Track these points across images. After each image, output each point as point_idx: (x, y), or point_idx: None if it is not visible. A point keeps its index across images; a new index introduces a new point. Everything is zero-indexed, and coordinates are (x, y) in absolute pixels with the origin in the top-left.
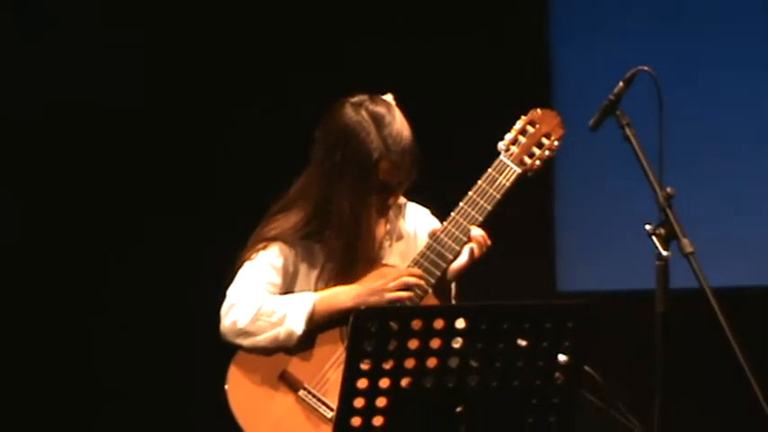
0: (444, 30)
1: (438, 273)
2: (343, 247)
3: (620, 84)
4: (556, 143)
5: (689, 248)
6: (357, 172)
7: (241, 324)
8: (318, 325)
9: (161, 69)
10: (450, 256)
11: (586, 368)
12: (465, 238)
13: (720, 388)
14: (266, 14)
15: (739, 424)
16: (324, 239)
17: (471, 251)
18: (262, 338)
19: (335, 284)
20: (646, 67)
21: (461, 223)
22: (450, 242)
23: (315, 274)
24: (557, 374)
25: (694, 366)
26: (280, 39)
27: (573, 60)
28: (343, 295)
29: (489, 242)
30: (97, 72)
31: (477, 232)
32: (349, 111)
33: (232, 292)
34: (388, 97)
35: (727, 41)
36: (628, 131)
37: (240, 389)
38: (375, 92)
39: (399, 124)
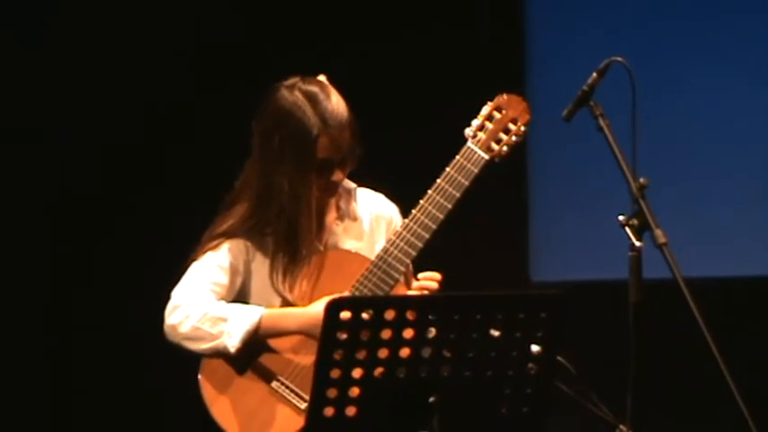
0: (417, 17)
1: (408, 261)
2: (285, 227)
3: (594, 74)
4: (522, 128)
5: (662, 239)
6: (296, 152)
7: (183, 329)
8: (263, 340)
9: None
10: (420, 244)
11: (559, 358)
12: (434, 227)
13: (693, 378)
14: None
15: (712, 413)
16: (271, 227)
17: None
18: (201, 347)
19: (289, 273)
20: (619, 58)
21: (430, 211)
22: (419, 230)
23: (268, 265)
24: (530, 365)
25: (667, 356)
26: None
27: (548, 50)
28: (291, 318)
29: (435, 285)
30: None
31: (422, 281)
32: (283, 93)
33: (177, 293)
34: (321, 78)
35: (702, 32)
36: (601, 122)
37: (213, 379)
38: (348, 82)
39: (334, 100)
